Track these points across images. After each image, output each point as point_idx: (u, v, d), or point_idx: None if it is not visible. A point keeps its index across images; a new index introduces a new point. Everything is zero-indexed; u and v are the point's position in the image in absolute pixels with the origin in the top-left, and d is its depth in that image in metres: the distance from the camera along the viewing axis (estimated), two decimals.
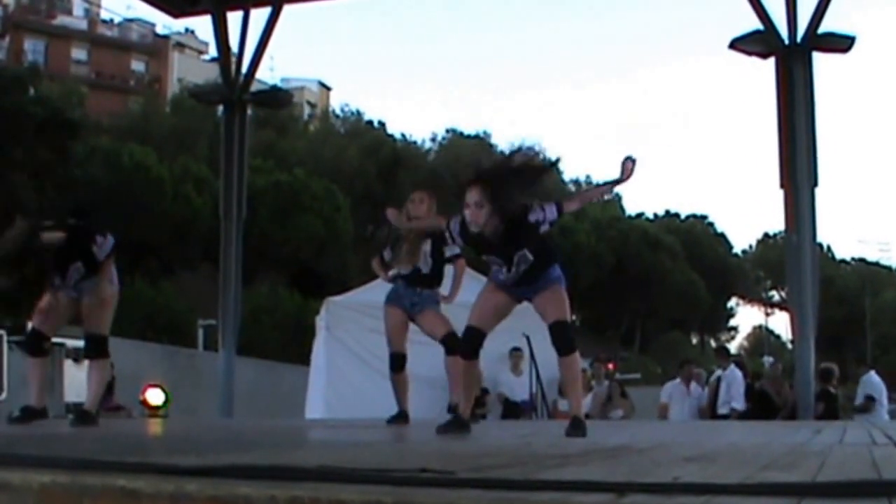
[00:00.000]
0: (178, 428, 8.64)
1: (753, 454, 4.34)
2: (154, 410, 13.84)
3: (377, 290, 14.71)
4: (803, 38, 13.64)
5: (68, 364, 13.03)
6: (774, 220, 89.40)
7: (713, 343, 64.48)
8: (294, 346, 28.34)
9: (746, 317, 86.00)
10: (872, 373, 13.75)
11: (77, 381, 12.95)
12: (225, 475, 2.56)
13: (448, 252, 9.06)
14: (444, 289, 9.34)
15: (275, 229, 37.99)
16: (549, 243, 6.87)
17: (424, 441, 6.02)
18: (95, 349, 8.33)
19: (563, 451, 4.38)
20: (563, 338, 6.73)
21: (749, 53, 14.05)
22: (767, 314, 69.58)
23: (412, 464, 2.95)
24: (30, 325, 8.50)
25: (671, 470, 3.19)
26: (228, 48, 16.42)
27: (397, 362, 9.45)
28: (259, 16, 16.26)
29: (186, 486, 2.43)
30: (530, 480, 2.70)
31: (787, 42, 13.73)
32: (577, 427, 6.51)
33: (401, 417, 9.27)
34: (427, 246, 9.00)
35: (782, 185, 13.69)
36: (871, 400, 13.27)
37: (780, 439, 6.41)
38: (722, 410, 13.95)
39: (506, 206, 6.41)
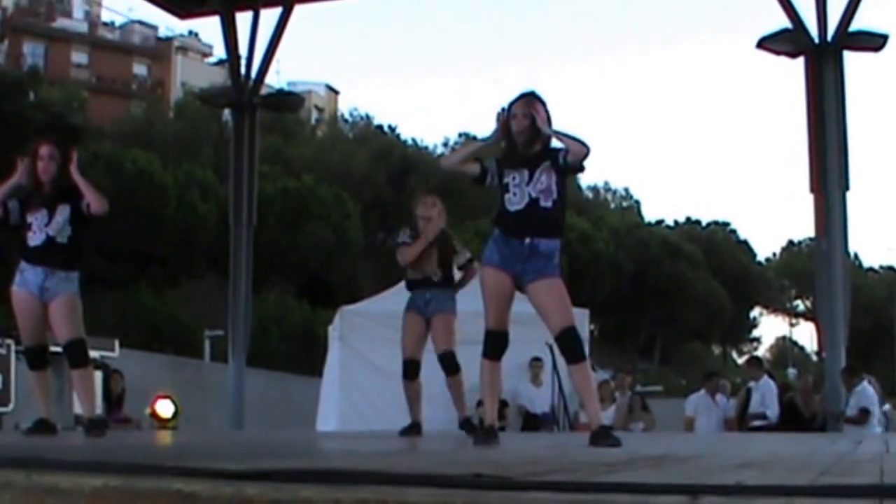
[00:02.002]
0: (198, 439, 8.33)
1: (804, 461, 4.24)
2: (164, 422, 13.52)
3: (393, 299, 14.39)
4: (833, 36, 13.43)
5: None
6: (799, 227, 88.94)
7: (735, 354, 63.85)
8: (303, 357, 27.96)
9: (770, 327, 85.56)
10: (866, 383, 13.40)
11: None
12: (285, 479, 2.52)
13: (460, 259, 9.30)
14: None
15: (283, 237, 37.57)
16: (566, 204, 6.81)
17: (456, 450, 5.87)
18: (79, 356, 7.87)
19: (607, 460, 4.22)
20: (574, 345, 6.57)
21: (777, 53, 13.79)
22: (792, 324, 68.94)
23: (460, 470, 2.91)
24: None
25: (729, 475, 3.11)
26: (237, 50, 16.06)
27: (410, 369, 9.30)
28: (266, 17, 15.98)
29: (246, 489, 2.39)
30: (603, 483, 2.63)
31: (816, 41, 13.52)
32: (604, 436, 6.25)
33: (413, 429, 9.14)
34: (434, 257, 9.17)
35: (812, 190, 13.45)
36: (865, 412, 12.89)
37: (822, 449, 6.24)
38: (754, 422, 13.58)
39: (543, 127, 6.65)
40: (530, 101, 6.71)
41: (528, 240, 6.53)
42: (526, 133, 6.62)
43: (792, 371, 26.16)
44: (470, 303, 14.25)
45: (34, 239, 7.78)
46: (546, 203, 6.55)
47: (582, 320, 14.10)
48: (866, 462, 4.25)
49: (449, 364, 9.18)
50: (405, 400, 9.53)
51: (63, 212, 7.82)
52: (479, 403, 13.62)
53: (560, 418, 13.69)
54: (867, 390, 13.28)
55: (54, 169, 7.86)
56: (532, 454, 5.28)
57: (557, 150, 6.64)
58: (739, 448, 6.35)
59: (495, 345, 6.78)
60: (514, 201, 6.57)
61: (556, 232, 6.66)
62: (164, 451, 5.03)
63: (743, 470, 3.47)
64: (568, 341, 6.54)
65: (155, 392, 14.53)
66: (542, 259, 6.56)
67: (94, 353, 12.78)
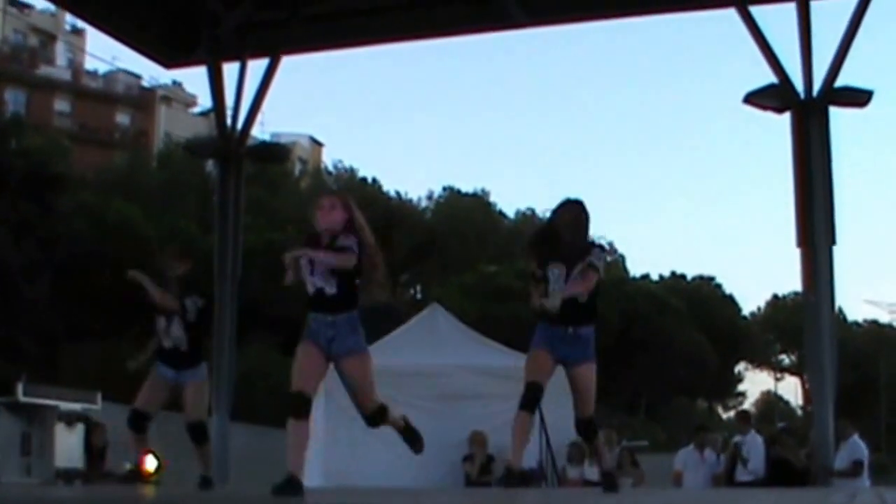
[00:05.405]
0: (191, 494, 8.26)
1: None
2: (146, 477, 13.26)
3: (380, 351, 14.28)
4: (819, 92, 13.51)
5: (60, 428, 12.47)
6: (783, 281, 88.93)
7: (721, 409, 63.66)
8: (287, 412, 27.56)
9: (754, 382, 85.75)
10: (857, 436, 13.38)
11: (68, 446, 12.45)
12: None
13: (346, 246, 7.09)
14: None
15: (267, 290, 37.28)
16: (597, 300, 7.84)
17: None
18: (200, 434, 9.46)
19: None
20: (590, 432, 7.97)
21: (764, 108, 13.87)
22: (777, 379, 68.83)
23: None
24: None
25: None
26: (223, 100, 16.01)
27: (298, 405, 7.16)
28: (252, 68, 15.97)
29: None
30: None
31: (802, 96, 13.54)
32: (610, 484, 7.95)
33: (290, 484, 6.87)
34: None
35: (799, 244, 13.45)
36: (859, 464, 12.90)
37: (823, 500, 6.74)
38: (742, 478, 13.50)
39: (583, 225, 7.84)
40: (577, 206, 7.84)
41: (570, 329, 7.66)
42: (569, 223, 7.77)
43: (782, 426, 26.07)
44: (455, 357, 14.27)
45: (167, 342, 9.38)
46: (580, 300, 7.61)
47: None
48: None
49: (374, 418, 7.46)
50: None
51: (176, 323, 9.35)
52: (466, 458, 13.66)
53: (548, 473, 13.57)
54: (858, 443, 13.27)
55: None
56: None
57: (593, 247, 7.81)
58: (739, 502, 6.48)
59: (534, 397, 7.79)
60: (547, 333, 7.72)
61: (592, 318, 7.78)
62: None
63: None
64: (586, 429, 7.88)
65: None
66: (582, 345, 7.73)
67: (76, 406, 12.77)
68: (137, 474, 9.89)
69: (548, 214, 8.12)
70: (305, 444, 7.14)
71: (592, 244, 7.83)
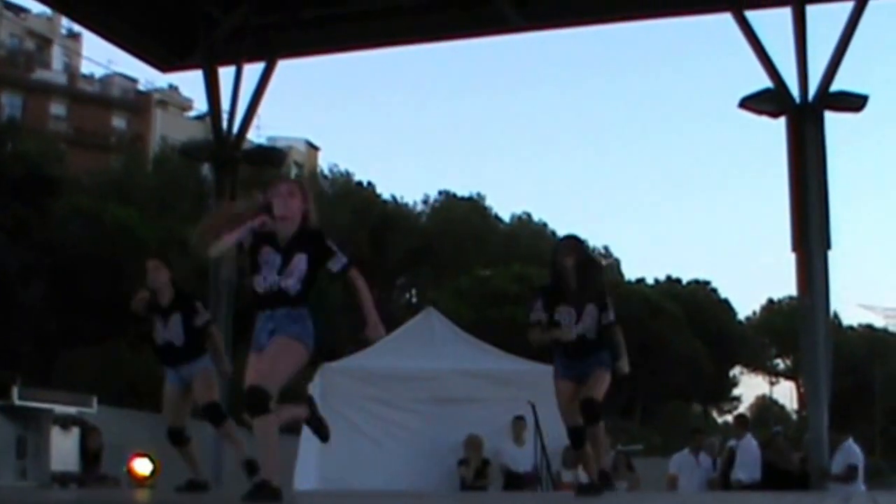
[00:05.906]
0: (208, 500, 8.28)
1: None
2: (141, 480, 13.27)
3: (374, 355, 14.37)
4: (815, 96, 13.55)
5: (55, 431, 12.44)
6: (778, 285, 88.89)
7: (716, 413, 63.60)
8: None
9: (749, 386, 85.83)
10: (851, 440, 13.42)
11: (63, 450, 12.43)
12: None
13: (336, 266, 6.72)
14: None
15: None
16: (606, 339, 8.59)
17: None
18: (216, 415, 9.28)
19: None
20: (593, 410, 8.27)
21: (759, 112, 13.91)
22: (772, 383, 68.74)
23: None
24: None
25: None
26: (219, 104, 16.04)
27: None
28: (248, 72, 15.99)
29: None
30: None
31: (798, 101, 13.60)
32: (605, 482, 8.37)
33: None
34: (302, 262, 6.72)
35: (794, 249, 13.48)
36: (853, 469, 12.92)
37: None
38: (743, 481, 13.54)
39: (590, 268, 8.55)
40: (576, 245, 8.50)
41: (582, 361, 8.41)
42: (570, 267, 8.28)
43: (776, 430, 26.11)
44: (450, 361, 14.29)
45: (159, 339, 9.42)
46: (591, 336, 8.41)
47: None
48: None
49: (252, 400, 6.44)
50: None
51: (176, 321, 9.37)
52: (461, 462, 13.69)
53: (543, 477, 13.58)
54: (853, 447, 13.30)
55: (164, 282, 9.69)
56: None
57: (604, 302, 8.48)
58: None
59: (578, 438, 8.50)
60: (563, 362, 8.50)
61: (602, 348, 8.50)
62: None
63: None
64: (589, 406, 8.28)
65: (133, 449, 14.31)
66: (596, 360, 8.45)
67: (72, 410, 12.74)
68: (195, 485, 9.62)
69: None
70: (275, 442, 6.41)
71: (601, 292, 8.56)
